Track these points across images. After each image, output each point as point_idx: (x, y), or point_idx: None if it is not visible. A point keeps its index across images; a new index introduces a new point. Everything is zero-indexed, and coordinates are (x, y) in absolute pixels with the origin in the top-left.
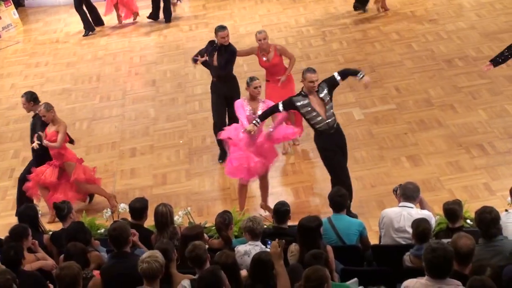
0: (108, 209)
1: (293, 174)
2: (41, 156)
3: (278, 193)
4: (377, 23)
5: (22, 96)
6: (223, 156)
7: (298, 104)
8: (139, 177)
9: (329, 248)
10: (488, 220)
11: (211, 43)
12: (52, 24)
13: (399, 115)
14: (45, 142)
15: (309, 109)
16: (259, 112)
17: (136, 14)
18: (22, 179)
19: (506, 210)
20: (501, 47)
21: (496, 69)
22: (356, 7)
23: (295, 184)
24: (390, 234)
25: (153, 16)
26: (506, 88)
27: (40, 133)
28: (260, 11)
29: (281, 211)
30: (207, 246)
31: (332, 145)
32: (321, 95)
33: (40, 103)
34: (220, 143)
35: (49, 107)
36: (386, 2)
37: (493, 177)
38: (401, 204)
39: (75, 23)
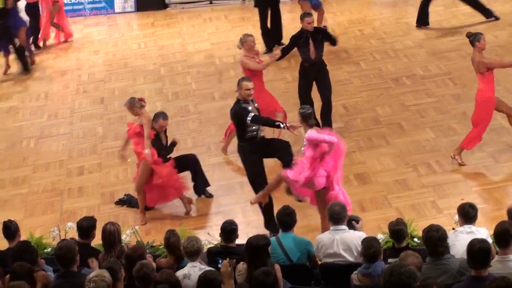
0: (55, 228)
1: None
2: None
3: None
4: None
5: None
6: None
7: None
8: (87, 195)
9: (277, 267)
10: (435, 238)
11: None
12: None
13: (347, 134)
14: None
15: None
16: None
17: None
18: None
19: (453, 229)
20: (448, 66)
21: (443, 88)
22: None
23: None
24: (326, 260)
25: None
26: (453, 107)
27: None
28: (208, 29)
29: (228, 230)
30: (154, 265)
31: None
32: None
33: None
34: None
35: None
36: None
37: (440, 196)
38: (332, 228)
39: None
